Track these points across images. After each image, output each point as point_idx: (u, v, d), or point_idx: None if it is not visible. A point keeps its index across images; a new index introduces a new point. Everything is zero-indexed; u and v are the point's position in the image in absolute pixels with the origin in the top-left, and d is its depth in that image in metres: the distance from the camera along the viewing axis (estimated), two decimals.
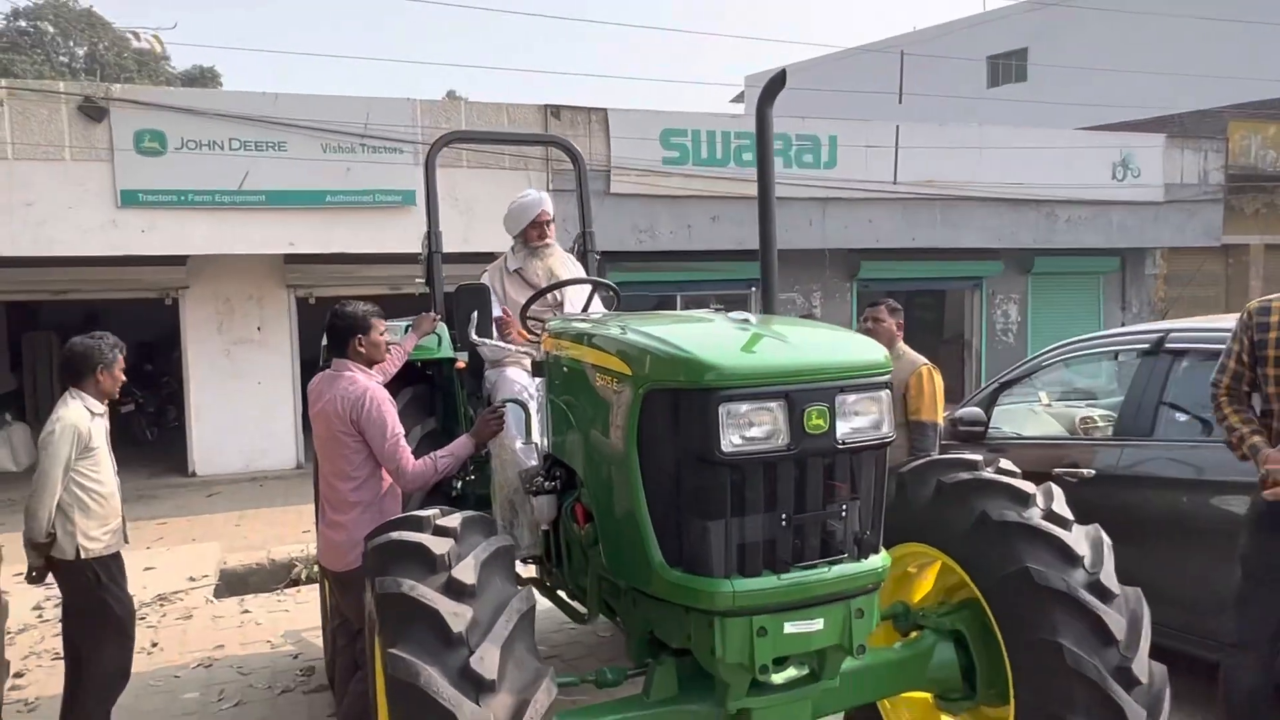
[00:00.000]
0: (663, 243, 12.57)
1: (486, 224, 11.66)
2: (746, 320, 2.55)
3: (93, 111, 9.89)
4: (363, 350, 3.46)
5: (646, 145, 12.19)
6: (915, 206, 13.61)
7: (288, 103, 10.68)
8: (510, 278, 4.24)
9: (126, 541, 3.96)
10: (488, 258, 11.93)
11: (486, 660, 1.89)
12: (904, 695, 3.11)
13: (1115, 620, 2.41)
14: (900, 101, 20.15)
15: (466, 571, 2.07)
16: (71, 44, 33.47)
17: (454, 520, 2.30)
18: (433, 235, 4.48)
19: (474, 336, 3.57)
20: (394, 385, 3.99)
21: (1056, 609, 2.44)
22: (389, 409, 3.32)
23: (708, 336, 2.40)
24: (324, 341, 3.58)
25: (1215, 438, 3.69)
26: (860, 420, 2.25)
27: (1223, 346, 3.49)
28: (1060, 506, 2.66)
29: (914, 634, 2.90)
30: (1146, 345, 4.17)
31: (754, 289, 13.92)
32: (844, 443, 2.21)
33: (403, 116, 11.14)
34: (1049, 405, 5.47)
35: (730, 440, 2.12)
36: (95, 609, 3.77)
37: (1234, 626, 3.21)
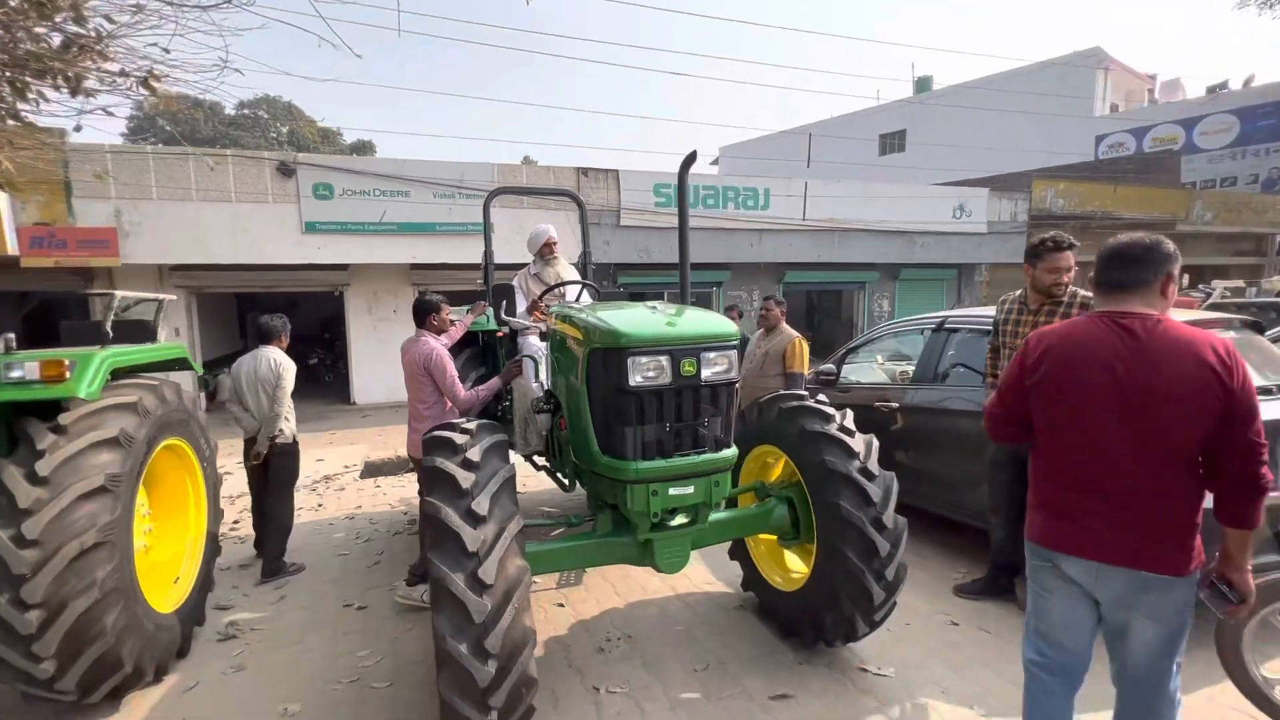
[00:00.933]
0: (655, 257, 12.58)
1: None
2: (654, 308, 2.69)
3: (286, 170, 9.99)
4: (435, 324, 3.63)
5: (644, 194, 12.17)
6: (820, 235, 13.53)
7: (412, 166, 10.74)
8: (532, 279, 4.35)
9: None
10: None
11: (480, 503, 2.05)
12: (761, 536, 3.24)
13: (874, 490, 2.58)
14: (809, 165, 19.85)
15: (475, 453, 2.21)
16: (278, 124, 33.39)
17: (471, 425, 2.42)
18: (488, 252, 4.57)
19: (504, 316, 3.74)
20: (458, 347, 4.17)
21: (840, 483, 2.60)
22: (449, 361, 3.49)
23: (629, 317, 2.49)
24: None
25: (967, 383, 3.84)
26: (717, 367, 2.40)
27: (982, 327, 3.63)
28: (848, 423, 2.80)
29: (766, 500, 3.04)
30: (934, 325, 4.27)
31: (716, 288, 13.96)
32: (705, 381, 2.38)
33: (485, 174, 11.17)
34: (882, 364, 5.55)
35: (634, 379, 2.29)
36: (291, 474, 4.00)
37: (987, 498, 3.38)
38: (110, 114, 6.22)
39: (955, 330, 4.08)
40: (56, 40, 4.45)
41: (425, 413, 3.47)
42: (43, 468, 2.26)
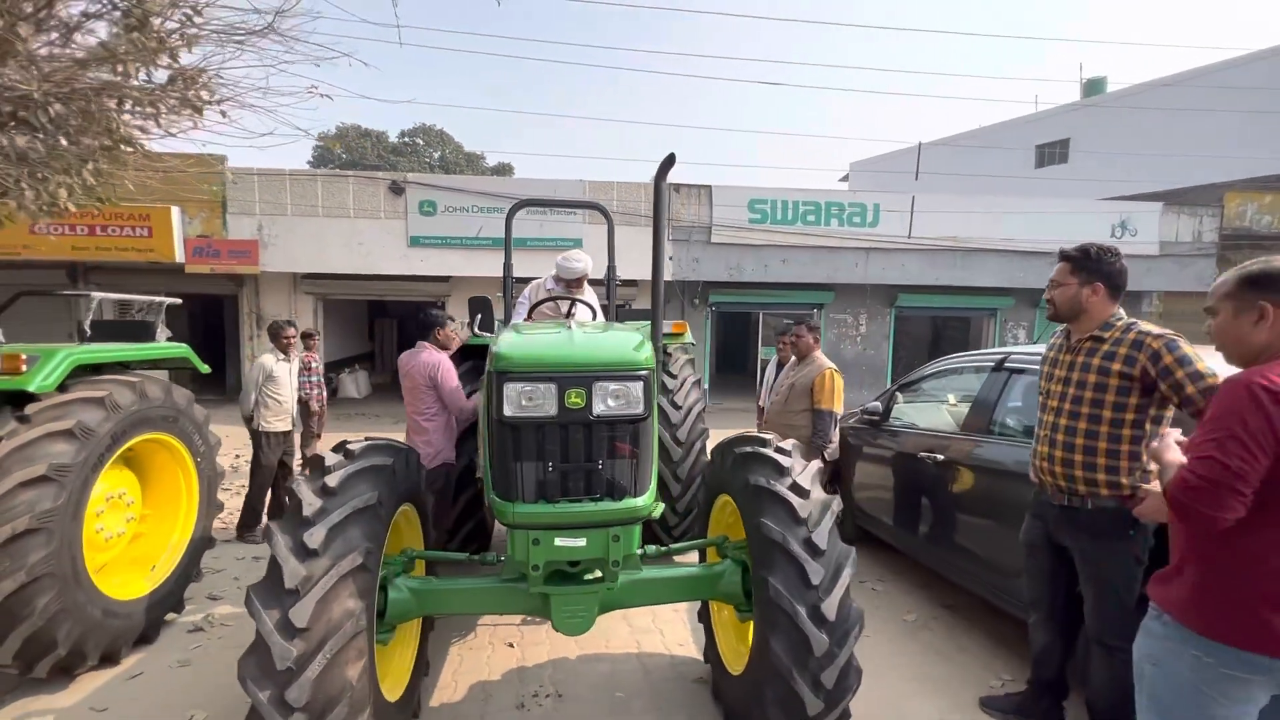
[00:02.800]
0: (747, 276, 12.05)
1: (627, 261, 11.75)
2: (580, 328, 2.38)
3: (396, 189, 10.90)
4: (439, 338, 3.68)
5: (737, 210, 11.73)
6: (937, 255, 12.17)
7: (508, 184, 11.27)
8: (545, 291, 4.19)
9: (293, 426, 4.49)
10: (628, 284, 12.01)
11: (314, 535, 1.85)
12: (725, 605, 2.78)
13: (814, 569, 2.05)
14: (917, 178, 18.20)
15: (336, 477, 2.02)
16: (431, 150, 36.99)
17: (359, 445, 2.25)
18: (507, 264, 4.46)
19: (476, 330, 3.63)
20: (463, 359, 4.13)
21: (776, 555, 2.12)
22: (452, 372, 3.62)
23: (528, 340, 2.23)
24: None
25: (1023, 437, 3.07)
26: (613, 401, 2.05)
27: None
28: (805, 479, 2.28)
29: (721, 560, 2.59)
30: (994, 363, 3.50)
31: (816, 310, 13.08)
32: (598, 416, 2.04)
33: (576, 190, 11.40)
34: (955, 404, 4.72)
35: (508, 408, 2.01)
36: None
37: (1025, 589, 2.66)
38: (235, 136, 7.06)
39: (1018, 371, 3.29)
40: (164, 76, 5.11)
41: (426, 424, 3.52)
42: None
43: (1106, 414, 2.22)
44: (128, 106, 4.46)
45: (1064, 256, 2.37)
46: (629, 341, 2.20)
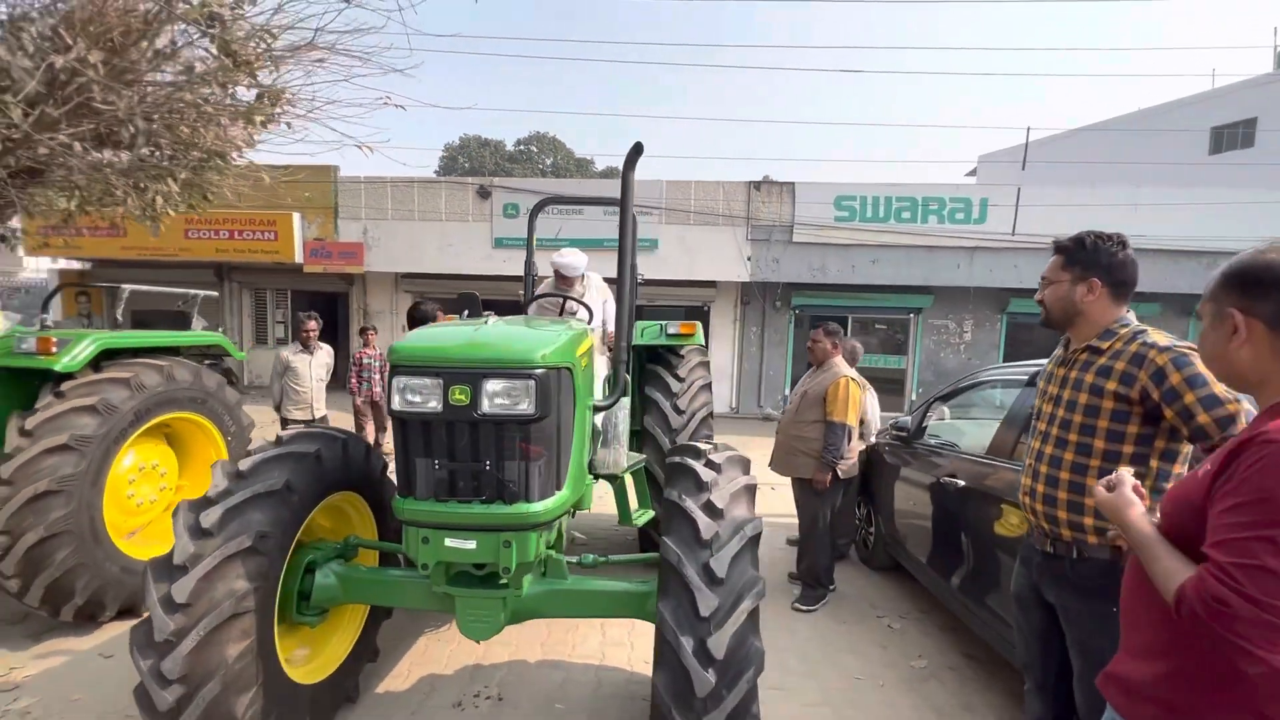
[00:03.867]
0: (831, 277, 11.38)
1: (705, 262, 11.54)
2: (482, 324, 2.31)
3: (484, 193, 11.47)
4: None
5: (822, 208, 11.10)
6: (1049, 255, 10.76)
7: (584, 185, 11.48)
8: (546, 286, 4.17)
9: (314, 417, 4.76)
10: (706, 285, 11.81)
11: (210, 515, 1.93)
12: None
13: (706, 599, 1.84)
14: (1024, 168, 16.11)
15: (249, 461, 2.10)
16: (544, 156, 38.73)
17: (290, 433, 2.36)
18: (529, 263, 4.50)
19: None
20: None
21: (670, 578, 1.94)
22: None
23: (429, 334, 2.19)
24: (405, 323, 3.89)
25: None
26: (501, 400, 1.96)
27: None
28: (720, 497, 2.06)
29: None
30: (1027, 378, 2.99)
31: (913, 314, 12.10)
32: (484, 415, 1.96)
33: (654, 191, 11.36)
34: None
35: (395, 401, 1.99)
36: None
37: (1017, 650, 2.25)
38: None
39: None
40: (252, 94, 5.71)
41: None
42: (30, 423, 2.84)
43: (1098, 444, 1.80)
44: (210, 123, 5.04)
45: (1057, 248, 1.95)
46: (531, 339, 2.10)
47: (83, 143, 4.11)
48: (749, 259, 11.38)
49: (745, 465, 2.34)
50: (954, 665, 3.15)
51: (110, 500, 3.12)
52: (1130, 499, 1.20)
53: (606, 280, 4.41)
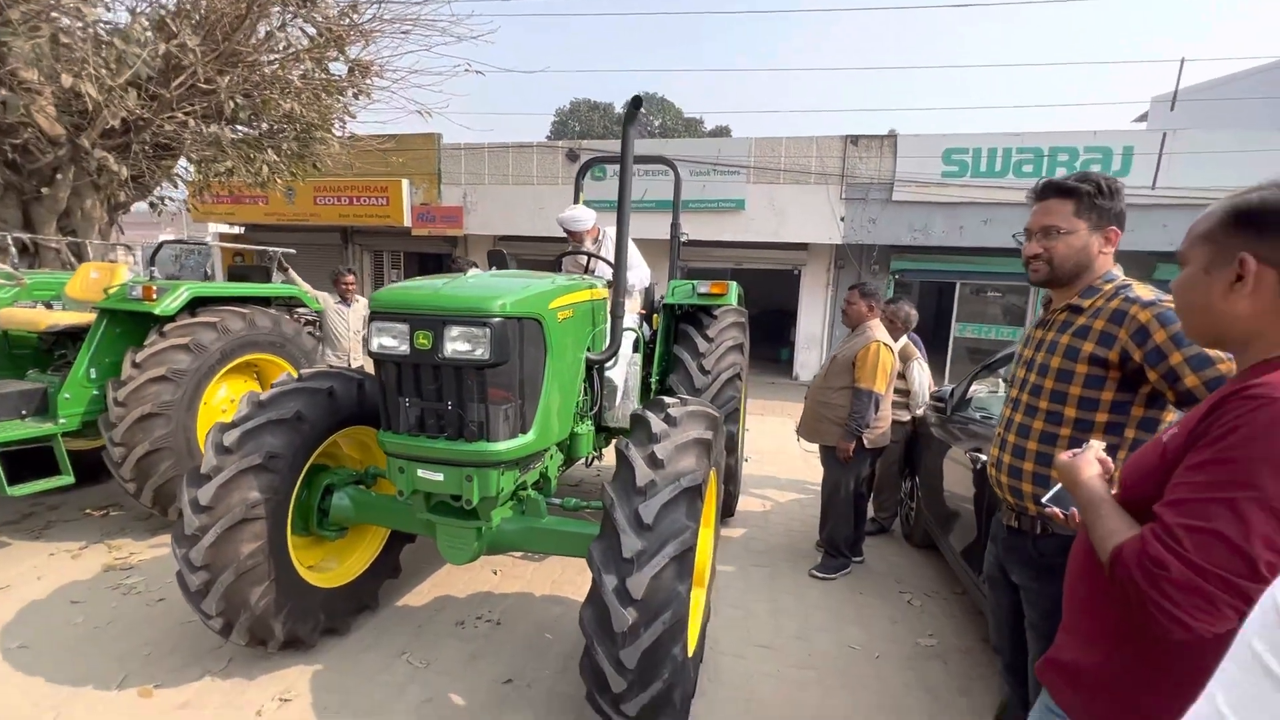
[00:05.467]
0: (935, 239, 10.49)
1: (793, 224, 11.07)
2: (463, 276, 2.47)
3: (572, 156, 11.72)
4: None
5: (929, 162, 10.19)
6: (1187, 212, 9.13)
7: (669, 146, 11.35)
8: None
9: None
10: (796, 247, 11.40)
11: (230, 436, 2.32)
12: None
13: (630, 543, 1.92)
14: (1173, 108, 13.52)
15: (266, 395, 2.50)
16: (652, 117, 38.44)
17: (310, 372, 2.70)
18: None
19: None
20: None
21: (605, 521, 2.05)
22: None
23: (407, 285, 2.34)
24: None
25: None
26: (460, 345, 2.12)
27: None
28: (665, 449, 2.09)
29: None
30: None
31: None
32: (445, 359, 2.13)
33: (741, 149, 11.01)
34: None
35: (373, 344, 2.22)
36: None
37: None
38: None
39: None
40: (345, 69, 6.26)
41: None
42: (139, 357, 3.45)
43: (1069, 412, 1.65)
44: (304, 96, 5.62)
45: (1061, 190, 1.71)
46: (493, 290, 2.23)
47: (196, 120, 4.77)
48: (842, 219, 10.77)
49: (709, 422, 2.35)
50: (967, 648, 3.00)
51: (205, 425, 3.72)
52: (1090, 461, 1.12)
53: (637, 241, 4.44)
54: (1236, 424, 0.86)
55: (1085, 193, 1.66)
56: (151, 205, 5.95)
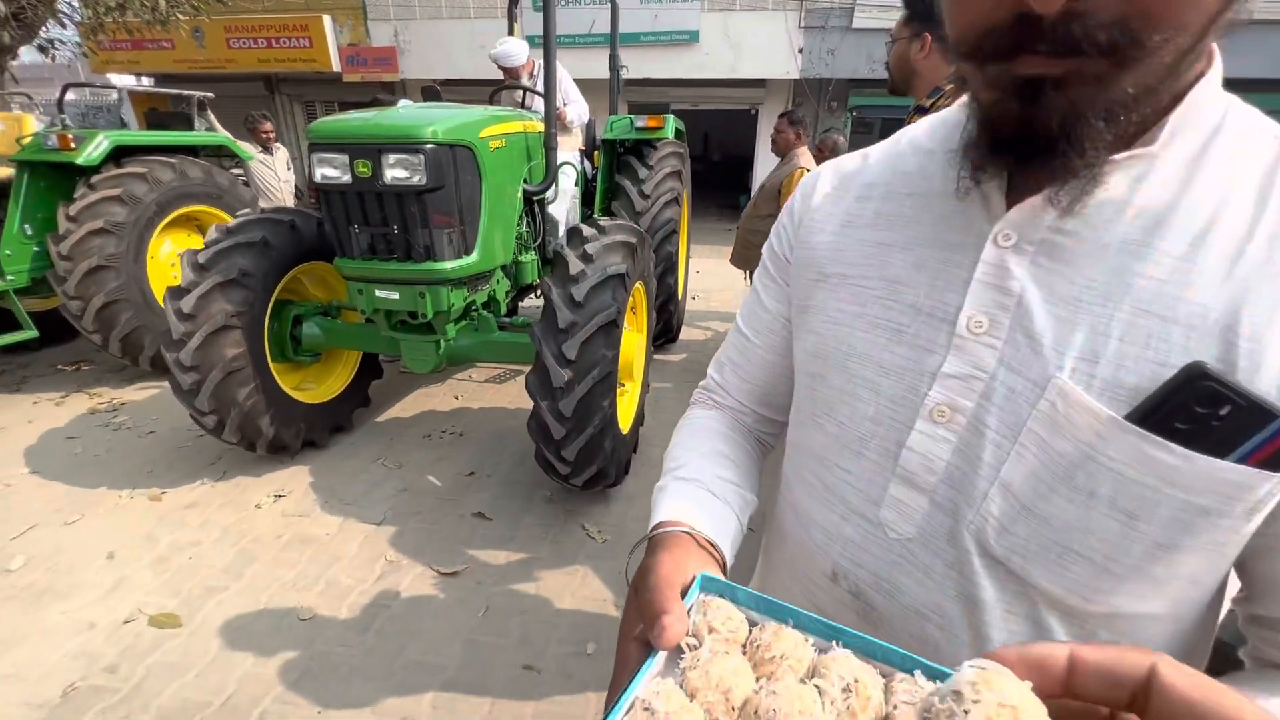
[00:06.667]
0: None
1: (750, 58, 10.53)
2: (393, 109, 2.54)
3: None
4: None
5: None
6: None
7: None
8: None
9: None
10: (754, 84, 10.93)
11: (204, 255, 2.53)
12: None
13: (565, 317, 2.25)
14: None
15: (234, 222, 2.66)
16: None
17: (272, 207, 2.84)
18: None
19: None
20: None
21: (545, 306, 2.35)
22: None
23: (344, 116, 2.41)
24: None
25: None
26: (398, 171, 2.27)
27: None
28: (581, 290, 2.31)
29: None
30: None
31: None
32: (385, 185, 2.28)
33: None
34: None
35: (317, 174, 2.34)
36: None
37: None
38: None
39: None
40: None
41: None
42: (73, 210, 3.45)
43: None
44: None
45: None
46: (425, 118, 2.33)
47: None
48: (800, 51, 10.29)
49: (632, 233, 2.58)
50: None
51: (158, 278, 3.82)
52: None
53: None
54: None
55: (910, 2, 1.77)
56: (41, 49, 5.44)
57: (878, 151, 0.61)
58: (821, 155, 4.22)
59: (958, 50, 0.43)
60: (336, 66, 11.59)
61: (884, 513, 0.52)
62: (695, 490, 0.59)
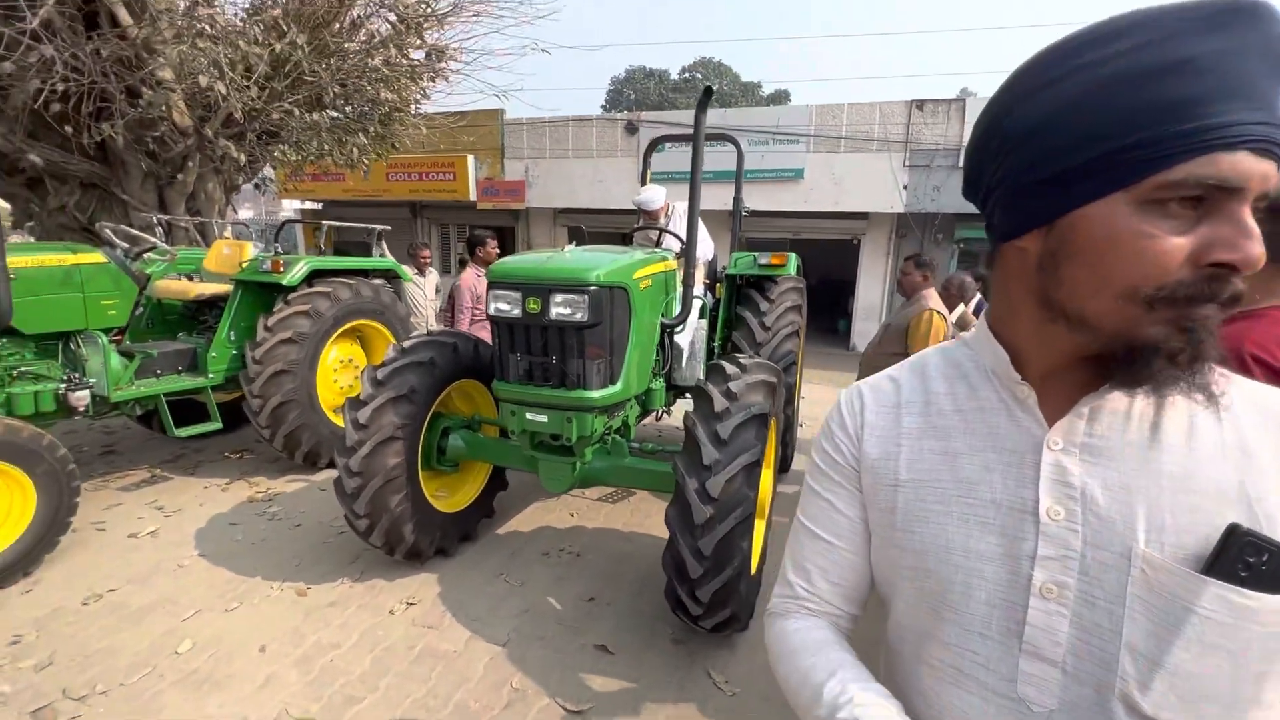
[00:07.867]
0: None
1: (853, 193, 10.99)
2: (561, 251, 2.85)
3: (631, 128, 11.93)
4: (482, 256, 4.69)
5: None
6: None
7: (728, 115, 11.39)
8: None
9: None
10: (856, 216, 11.34)
11: (382, 372, 2.85)
12: None
13: (710, 453, 2.31)
14: None
15: (409, 343, 3.02)
16: (707, 83, 37.83)
17: (439, 330, 3.20)
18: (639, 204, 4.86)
19: None
20: None
21: (688, 440, 2.46)
22: (465, 291, 4.92)
23: (519, 259, 2.74)
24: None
25: None
26: (563, 309, 2.52)
27: None
28: (739, 384, 2.43)
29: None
30: None
31: None
32: (551, 320, 2.53)
33: (802, 117, 10.96)
34: None
35: (491, 308, 2.64)
36: None
37: None
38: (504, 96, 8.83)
39: None
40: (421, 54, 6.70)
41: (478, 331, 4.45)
42: (271, 321, 4.03)
43: None
44: (389, 83, 6.10)
45: None
46: (590, 263, 2.60)
47: (299, 108, 5.32)
48: (905, 187, 10.63)
49: (770, 371, 2.66)
50: None
51: (322, 382, 4.30)
52: None
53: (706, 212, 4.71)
54: None
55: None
56: (257, 186, 6.63)
57: (902, 374, 0.74)
58: (949, 295, 4.23)
59: (1127, 297, 0.51)
60: (473, 196, 13.17)
61: (1022, 689, 0.57)
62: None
